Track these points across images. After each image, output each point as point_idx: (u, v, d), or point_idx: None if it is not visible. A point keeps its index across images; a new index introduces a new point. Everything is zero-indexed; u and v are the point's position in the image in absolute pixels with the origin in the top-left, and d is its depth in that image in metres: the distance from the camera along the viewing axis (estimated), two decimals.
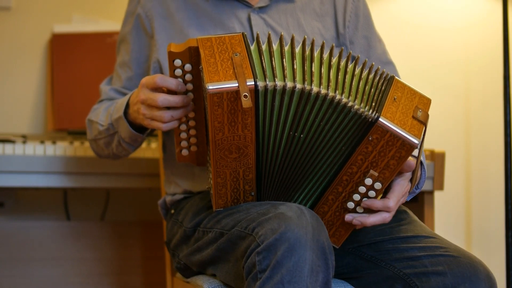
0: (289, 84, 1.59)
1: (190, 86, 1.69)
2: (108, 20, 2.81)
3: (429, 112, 1.65)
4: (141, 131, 1.91)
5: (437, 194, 2.62)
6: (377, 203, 1.67)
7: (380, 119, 1.58)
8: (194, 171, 1.95)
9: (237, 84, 1.55)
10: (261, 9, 1.97)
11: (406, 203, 1.94)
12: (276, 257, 1.53)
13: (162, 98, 1.69)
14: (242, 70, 1.57)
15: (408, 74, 2.94)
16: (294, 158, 1.67)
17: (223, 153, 1.63)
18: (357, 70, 1.66)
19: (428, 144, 2.75)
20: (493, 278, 1.68)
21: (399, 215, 1.83)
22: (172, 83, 1.68)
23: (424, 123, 1.61)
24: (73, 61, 2.75)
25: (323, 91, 1.59)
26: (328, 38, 1.97)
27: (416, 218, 1.85)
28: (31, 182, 2.34)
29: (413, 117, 1.61)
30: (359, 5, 2.03)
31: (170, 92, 1.70)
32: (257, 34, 1.64)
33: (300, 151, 1.66)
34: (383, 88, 1.64)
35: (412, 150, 1.60)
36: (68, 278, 2.69)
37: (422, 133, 1.61)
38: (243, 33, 1.64)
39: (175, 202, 2.02)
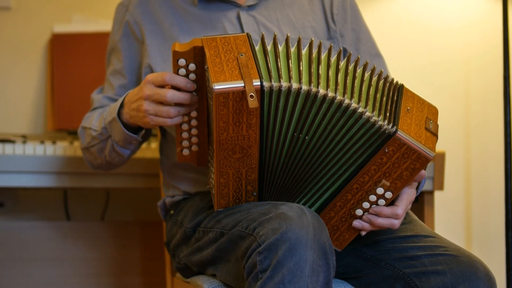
0: (295, 85, 1.58)
1: (193, 85, 1.69)
2: (108, 20, 2.81)
3: None
4: (136, 133, 1.89)
5: (437, 194, 2.62)
6: (386, 210, 1.67)
7: (398, 132, 1.58)
8: (190, 175, 1.94)
9: (243, 84, 1.55)
10: (250, 7, 1.96)
11: None
12: (277, 257, 1.53)
13: (171, 94, 1.68)
14: (248, 71, 1.56)
15: (408, 74, 2.95)
16: (298, 160, 1.67)
17: (226, 153, 1.62)
18: (366, 75, 1.64)
19: None
20: (493, 277, 1.68)
21: None
22: (181, 81, 1.68)
23: (436, 135, 1.62)
24: (73, 61, 2.75)
25: (330, 94, 1.59)
26: (320, 32, 1.97)
27: (415, 217, 1.85)
28: (31, 182, 2.34)
29: (425, 128, 1.61)
30: None
31: (176, 90, 1.69)
32: (262, 35, 1.64)
33: (305, 153, 1.66)
34: (395, 98, 1.64)
35: (427, 163, 1.61)
36: (68, 278, 2.69)
37: (435, 145, 1.62)
38: (247, 34, 1.64)
39: (175, 203, 2.01)
